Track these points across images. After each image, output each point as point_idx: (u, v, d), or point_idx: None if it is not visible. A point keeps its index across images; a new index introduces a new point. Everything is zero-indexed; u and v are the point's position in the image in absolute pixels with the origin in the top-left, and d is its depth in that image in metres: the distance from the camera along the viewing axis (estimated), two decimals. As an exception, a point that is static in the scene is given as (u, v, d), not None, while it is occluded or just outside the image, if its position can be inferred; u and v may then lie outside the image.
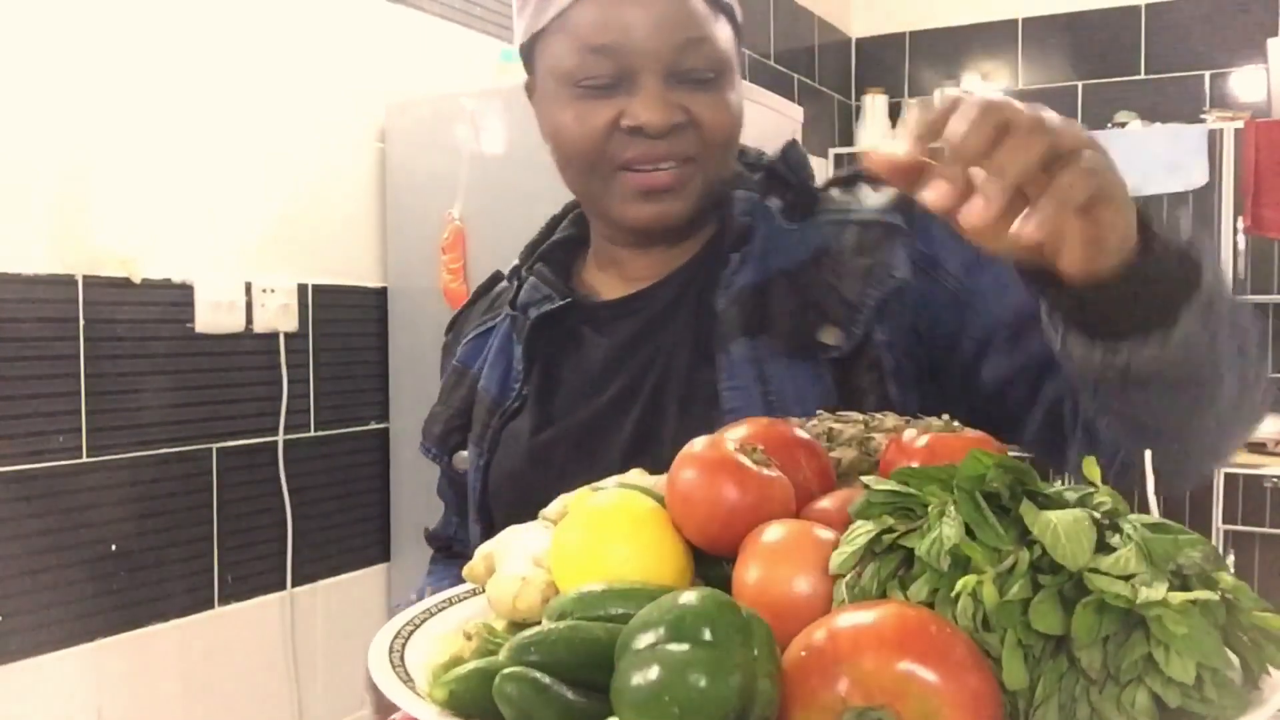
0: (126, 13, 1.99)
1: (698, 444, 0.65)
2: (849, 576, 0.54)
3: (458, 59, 2.68)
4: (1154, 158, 3.61)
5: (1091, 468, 0.58)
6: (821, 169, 3.14)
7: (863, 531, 0.55)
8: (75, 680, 1.92)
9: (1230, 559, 3.31)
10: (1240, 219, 3.50)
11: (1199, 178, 3.57)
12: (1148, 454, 0.66)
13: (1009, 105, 0.58)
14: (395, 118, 2.50)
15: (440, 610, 0.71)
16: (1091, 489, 0.56)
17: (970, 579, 0.50)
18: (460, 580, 0.75)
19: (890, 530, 0.55)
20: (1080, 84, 4.15)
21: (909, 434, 0.68)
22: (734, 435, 0.67)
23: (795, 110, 2.87)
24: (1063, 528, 0.50)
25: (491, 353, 1.03)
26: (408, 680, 0.59)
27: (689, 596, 0.50)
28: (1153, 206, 3.61)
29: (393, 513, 2.56)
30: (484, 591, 0.68)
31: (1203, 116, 3.74)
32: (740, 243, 0.94)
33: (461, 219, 2.35)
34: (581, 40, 0.88)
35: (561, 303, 0.98)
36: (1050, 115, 0.59)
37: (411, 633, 0.67)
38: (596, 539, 0.63)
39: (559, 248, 1.04)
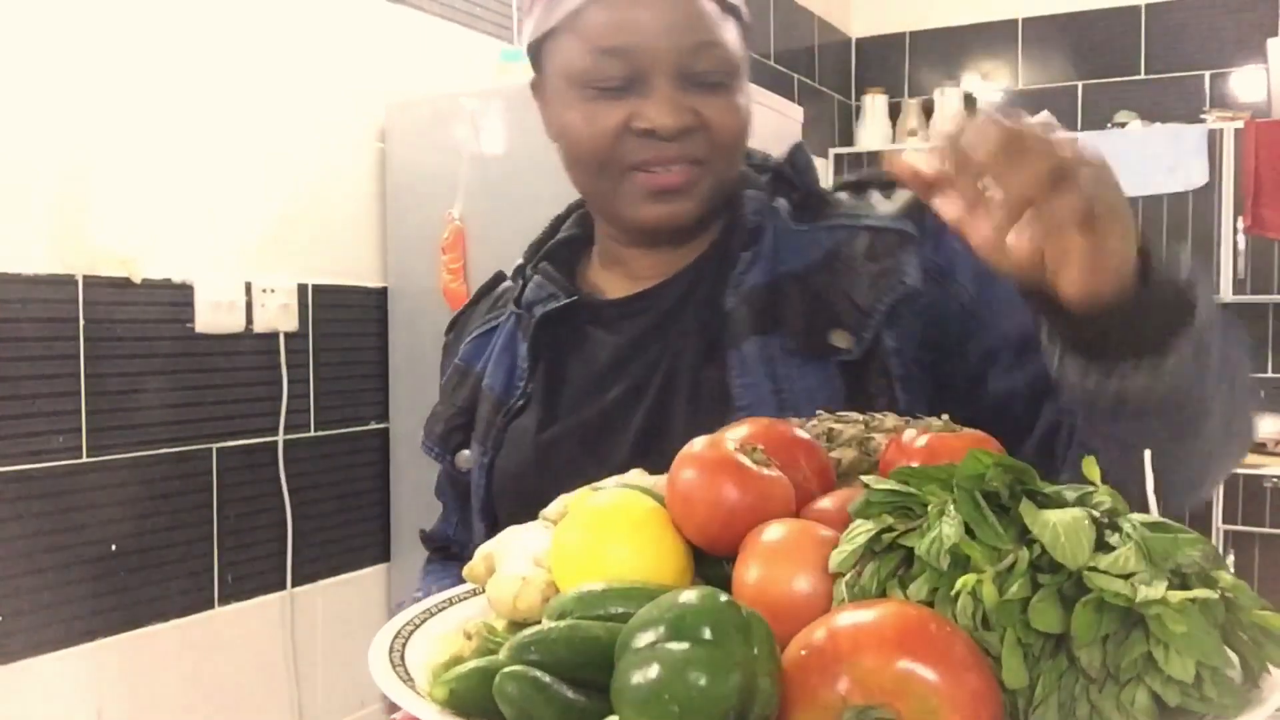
0: (126, 13, 1.99)
1: (698, 444, 0.65)
2: (849, 575, 0.54)
3: (458, 59, 2.68)
4: (1154, 158, 3.61)
5: (1091, 468, 0.58)
6: (822, 169, 3.14)
7: (862, 531, 0.55)
8: (75, 680, 1.92)
9: (1230, 559, 3.32)
10: (1240, 219, 3.50)
11: (1199, 178, 3.57)
12: (1147, 454, 0.67)
13: (1022, 124, 0.59)
14: (395, 118, 2.50)
15: (440, 610, 0.71)
16: (1091, 488, 0.56)
17: (970, 578, 0.50)
18: (459, 581, 0.75)
19: (890, 529, 0.55)
20: (1080, 84, 4.15)
21: (909, 434, 0.68)
22: (734, 435, 0.67)
23: (795, 110, 2.88)
24: (1062, 527, 0.50)
25: (495, 351, 1.03)
26: (408, 680, 0.59)
27: (689, 595, 0.50)
28: (1152, 206, 3.61)
29: (393, 513, 2.56)
30: (484, 591, 0.68)
31: (1203, 116, 3.74)
32: (750, 242, 0.94)
33: (461, 219, 2.36)
34: (593, 41, 0.88)
35: (567, 301, 0.98)
36: (1059, 134, 0.60)
37: (411, 633, 0.67)
38: (596, 539, 0.63)
39: (563, 247, 1.04)
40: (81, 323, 1.92)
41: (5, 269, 1.81)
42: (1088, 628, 0.48)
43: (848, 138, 4.46)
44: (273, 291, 2.25)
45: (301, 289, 2.33)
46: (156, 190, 2.04)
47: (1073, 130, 3.77)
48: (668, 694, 0.46)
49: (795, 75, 4.11)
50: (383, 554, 2.57)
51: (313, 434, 2.38)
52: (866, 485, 0.58)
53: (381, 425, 2.55)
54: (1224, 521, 3.34)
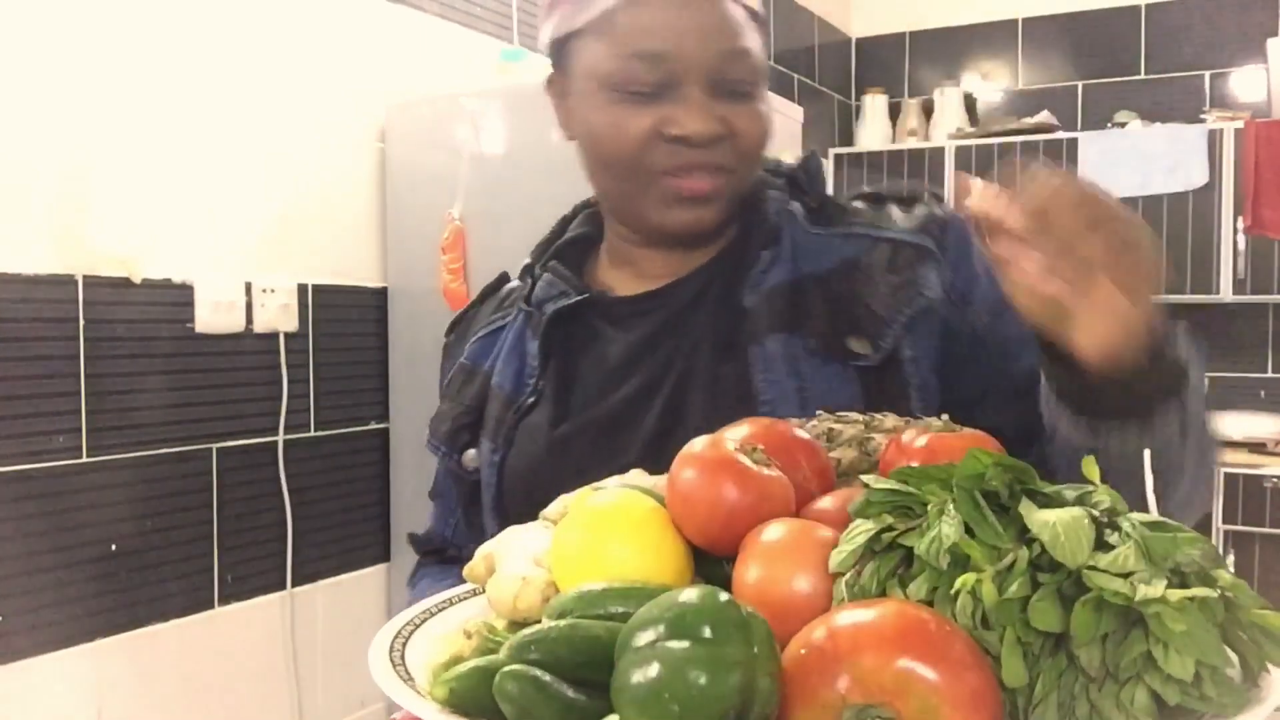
0: (126, 13, 1.99)
1: (698, 444, 0.65)
2: (848, 575, 0.54)
3: (458, 59, 2.68)
4: (1154, 158, 3.61)
5: (1091, 468, 0.58)
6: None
7: (862, 530, 0.55)
8: (75, 680, 1.92)
9: (1230, 559, 3.32)
10: (1240, 219, 3.50)
11: (1199, 178, 3.57)
12: (1146, 454, 0.67)
13: (1097, 190, 0.64)
14: (395, 118, 2.50)
15: (440, 610, 0.71)
16: (1090, 488, 0.56)
17: (969, 577, 0.50)
18: (458, 584, 0.75)
19: (890, 529, 0.55)
20: (1080, 84, 4.15)
21: (908, 434, 0.68)
22: (734, 435, 0.67)
23: (795, 110, 2.88)
24: (1061, 526, 0.51)
25: (504, 350, 1.03)
26: (408, 679, 0.59)
27: (689, 594, 0.50)
28: (1152, 206, 3.61)
29: (393, 513, 2.56)
30: (484, 591, 0.68)
31: (1203, 116, 3.74)
32: (770, 242, 0.95)
33: (461, 219, 2.36)
34: (627, 45, 0.88)
35: (578, 298, 0.99)
36: (1106, 197, 0.65)
37: (412, 633, 0.67)
38: (596, 539, 0.63)
39: (571, 246, 1.05)
40: (81, 323, 1.92)
41: (5, 269, 1.81)
42: (1087, 627, 0.48)
43: (848, 138, 4.46)
44: (273, 291, 2.25)
45: (301, 289, 2.33)
46: (156, 190, 2.04)
47: (1073, 130, 3.76)
48: (668, 693, 0.46)
49: (795, 75, 4.11)
50: (383, 554, 2.57)
51: (313, 434, 2.38)
52: (866, 485, 0.58)
53: (381, 425, 2.55)
54: (1224, 521, 3.34)
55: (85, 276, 1.93)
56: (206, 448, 2.15)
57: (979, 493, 0.53)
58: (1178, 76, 3.98)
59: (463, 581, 0.74)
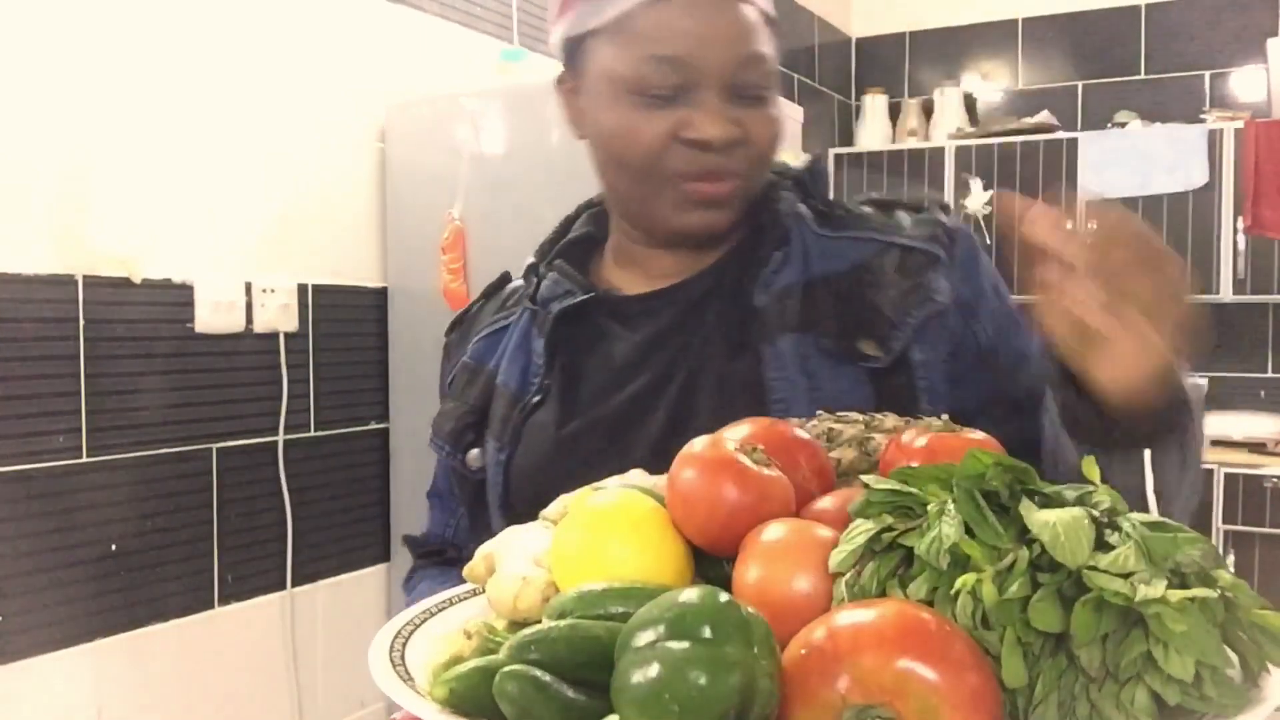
0: (126, 13, 1.99)
1: (698, 444, 0.65)
2: (848, 575, 0.54)
3: (458, 59, 2.68)
4: (1154, 158, 3.61)
5: (1091, 468, 0.58)
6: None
7: (862, 530, 0.55)
8: (75, 680, 1.92)
9: (1230, 559, 3.32)
10: (1240, 219, 3.50)
11: (1199, 178, 3.57)
12: (1147, 454, 0.68)
13: (1152, 235, 0.69)
14: (395, 118, 2.50)
15: (440, 610, 0.71)
16: (1090, 488, 0.56)
17: (969, 577, 0.50)
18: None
19: (890, 529, 0.55)
20: (1080, 84, 4.15)
21: (908, 434, 0.68)
22: (734, 435, 0.67)
23: (795, 110, 2.88)
24: (1062, 526, 0.51)
25: (509, 349, 1.03)
26: (408, 679, 0.59)
27: (689, 594, 0.50)
28: (1152, 206, 3.61)
29: (393, 513, 2.56)
30: (484, 591, 0.68)
31: (1203, 116, 3.74)
32: (780, 243, 0.96)
33: (461, 219, 2.36)
34: (647, 48, 0.88)
35: (584, 297, 0.99)
36: (1157, 239, 0.69)
37: (411, 633, 0.67)
38: (596, 539, 0.63)
39: (575, 246, 1.05)
40: (81, 323, 1.92)
41: (5, 269, 1.81)
42: (1087, 627, 0.48)
43: (848, 138, 4.46)
44: (273, 291, 2.25)
45: (301, 289, 2.33)
46: (156, 190, 2.04)
47: (1073, 130, 3.76)
48: (668, 693, 0.46)
49: (795, 75, 4.11)
50: (383, 554, 2.57)
51: (313, 434, 2.38)
52: (866, 485, 0.58)
53: (381, 425, 2.55)
54: (1224, 521, 3.34)
55: (85, 276, 1.93)
56: (206, 448, 2.15)
57: (979, 493, 0.53)
58: (1178, 76, 3.98)
59: (463, 583, 0.74)
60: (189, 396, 2.11)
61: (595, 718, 0.49)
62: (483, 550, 0.72)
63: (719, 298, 0.96)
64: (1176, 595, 0.48)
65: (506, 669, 0.51)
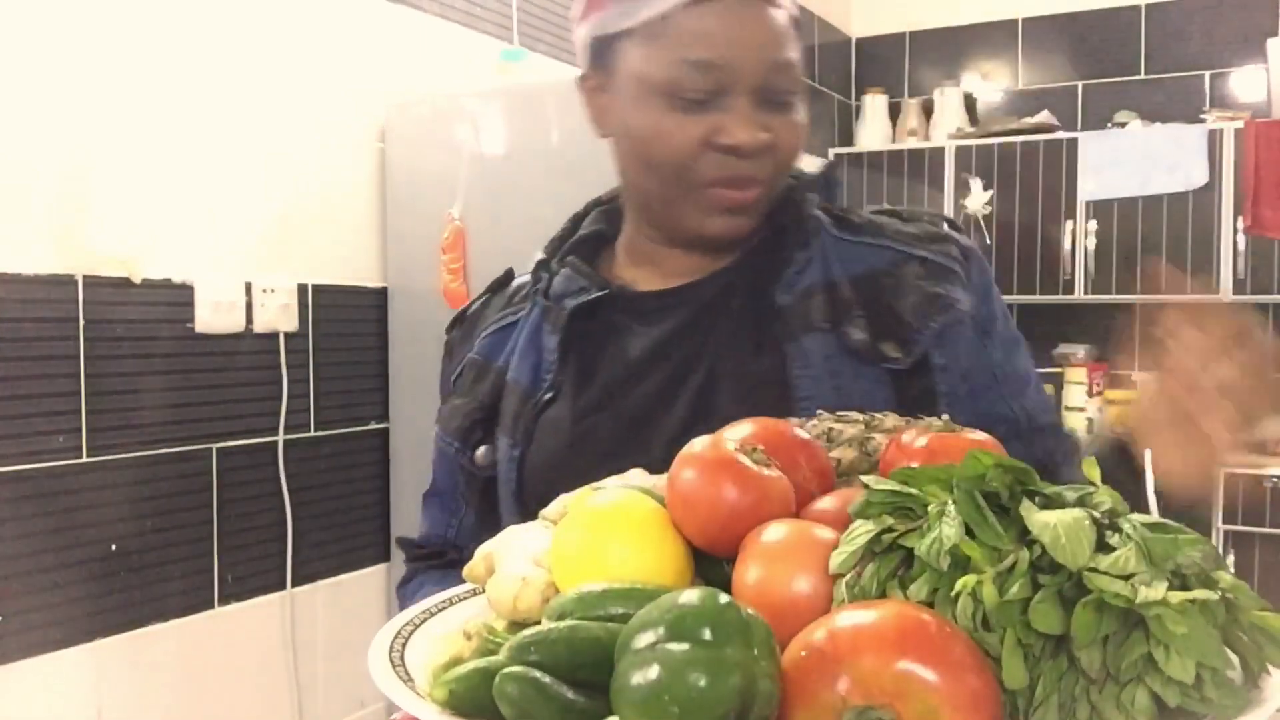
0: (126, 13, 1.99)
1: (698, 444, 0.65)
2: (849, 576, 0.54)
3: (458, 59, 2.68)
4: (1154, 158, 3.61)
5: (1091, 468, 0.58)
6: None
7: (862, 531, 0.55)
8: (75, 680, 1.92)
9: (1230, 559, 3.31)
10: (1240, 219, 3.50)
11: (1199, 178, 3.57)
12: (1147, 454, 0.67)
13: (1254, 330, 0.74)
14: (395, 118, 2.50)
15: (440, 610, 0.71)
16: (1091, 489, 0.56)
17: (970, 578, 0.50)
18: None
19: (890, 530, 0.55)
20: (1080, 84, 4.15)
21: (908, 434, 0.68)
22: (734, 435, 0.67)
23: (795, 110, 2.87)
24: (1062, 527, 0.50)
25: (519, 345, 1.03)
26: (408, 680, 0.59)
27: (689, 596, 0.50)
28: (1152, 206, 3.61)
29: (393, 513, 2.56)
30: (484, 591, 0.68)
31: (1203, 116, 3.74)
32: (802, 244, 0.97)
33: (461, 219, 2.35)
34: (683, 51, 0.88)
35: (600, 293, 0.99)
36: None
37: (411, 633, 0.67)
38: (596, 539, 0.63)
39: (585, 243, 1.05)
40: (81, 323, 1.92)
41: (5, 269, 1.81)
42: (1088, 628, 0.48)
43: (848, 138, 4.46)
44: (273, 291, 2.25)
45: (301, 289, 2.33)
46: (156, 190, 2.04)
47: (1073, 130, 3.75)
48: (667, 695, 0.46)
49: (795, 75, 4.10)
50: (383, 554, 2.56)
51: (313, 434, 2.38)
52: (866, 486, 0.58)
53: (381, 425, 2.55)
54: (1224, 521, 3.34)
55: (85, 276, 1.93)
56: (206, 448, 2.15)
57: (979, 494, 0.53)
58: (1178, 76, 3.98)
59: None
60: (189, 396, 2.11)
61: (595, 719, 0.49)
62: (482, 550, 0.72)
63: (738, 296, 0.96)
64: (1177, 597, 0.48)
65: (506, 670, 0.51)
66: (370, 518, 2.53)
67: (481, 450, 1.02)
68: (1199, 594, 0.49)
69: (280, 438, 2.29)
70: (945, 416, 0.71)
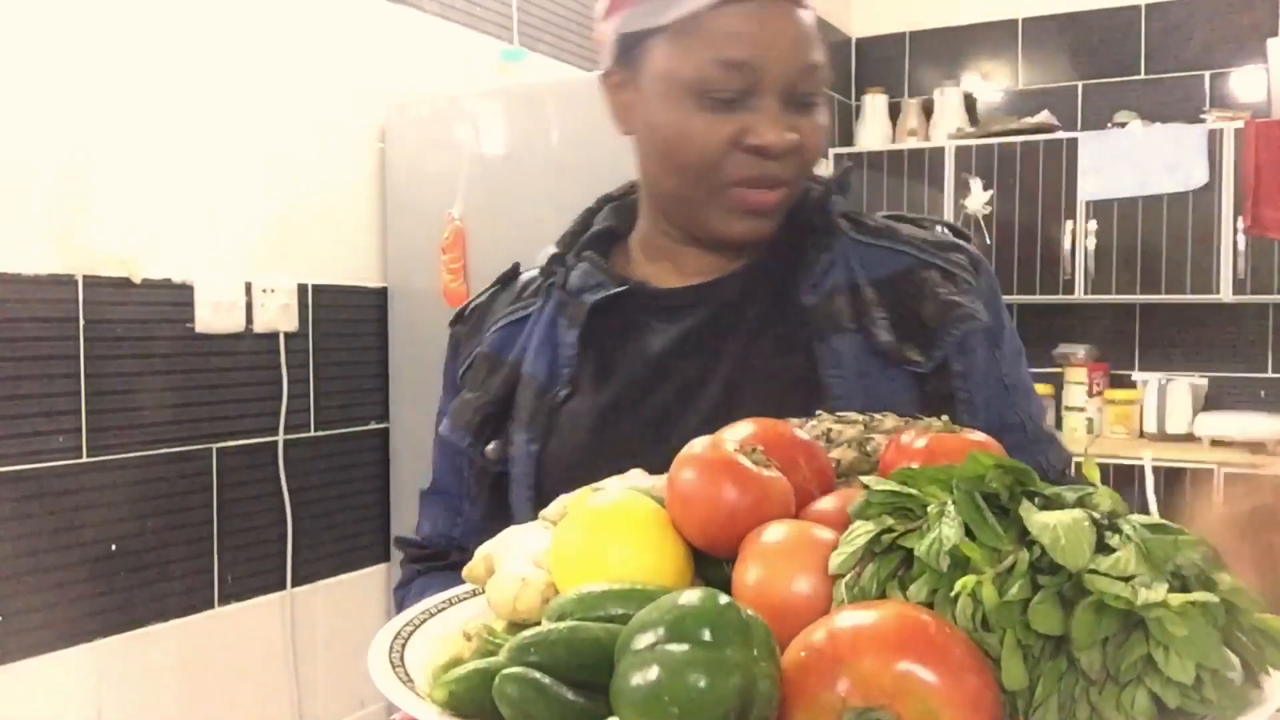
0: (126, 13, 1.99)
1: (697, 445, 0.65)
2: (848, 577, 0.54)
3: (458, 59, 2.68)
4: (1154, 158, 3.61)
5: (1091, 468, 0.58)
6: (822, 169, 3.15)
7: (862, 532, 0.55)
8: (75, 680, 1.92)
9: (1230, 559, 3.31)
10: (1240, 219, 3.50)
11: (1199, 178, 3.57)
12: (1147, 454, 0.67)
13: None
14: (395, 118, 2.50)
15: (440, 611, 0.71)
16: (1091, 489, 0.56)
17: (970, 579, 0.50)
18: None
19: (890, 530, 0.55)
20: (1080, 84, 4.15)
21: (908, 435, 0.68)
22: (734, 436, 0.67)
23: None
24: (1062, 528, 0.50)
25: (534, 339, 1.02)
26: (408, 681, 0.59)
27: (689, 597, 0.50)
28: (1152, 206, 3.61)
29: (393, 513, 2.56)
30: (484, 592, 0.68)
31: (1203, 116, 3.74)
32: (826, 245, 0.97)
33: (461, 219, 2.36)
34: (715, 51, 0.88)
35: (620, 289, 0.99)
36: None
37: (411, 633, 0.67)
38: (596, 540, 0.63)
39: (598, 239, 1.05)
40: (81, 323, 1.92)
41: (5, 269, 1.81)
42: (1088, 630, 0.48)
43: (848, 137, 4.46)
44: (273, 291, 2.25)
45: (301, 289, 2.33)
46: (156, 190, 2.04)
47: (1073, 130, 3.75)
48: (667, 695, 0.46)
49: (795, 75, 4.10)
50: (383, 554, 2.57)
51: (313, 434, 2.38)
52: (866, 486, 0.58)
53: (381, 425, 2.55)
54: (1224, 521, 3.34)
55: (85, 276, 1.93)
56: (206, 448, 2.15)
57: (979, 494, 0.53)
58: (1178, 76, 3.98)
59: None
60: (189, 396, 2.11)
61: (595, 720, 0.49)
62: (482, 551, 0.72)
63: (760, 295, 0.97)
64: (1177, 599, 0.48)
65: (506, 671, 0.51)
66: (370, 518, 2.53)
67: (493, 445, 1.01)
68: (1199, 596, 0.49)
69: (280, 438, 2.29)
70: (945, 417, 0.70)
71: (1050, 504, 0.54)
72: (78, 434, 1.92)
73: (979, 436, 0.68)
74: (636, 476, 0.75)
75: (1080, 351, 3.92)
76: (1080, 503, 0.55)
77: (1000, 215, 3.88)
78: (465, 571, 0.72)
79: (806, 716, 0.48)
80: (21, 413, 1.84)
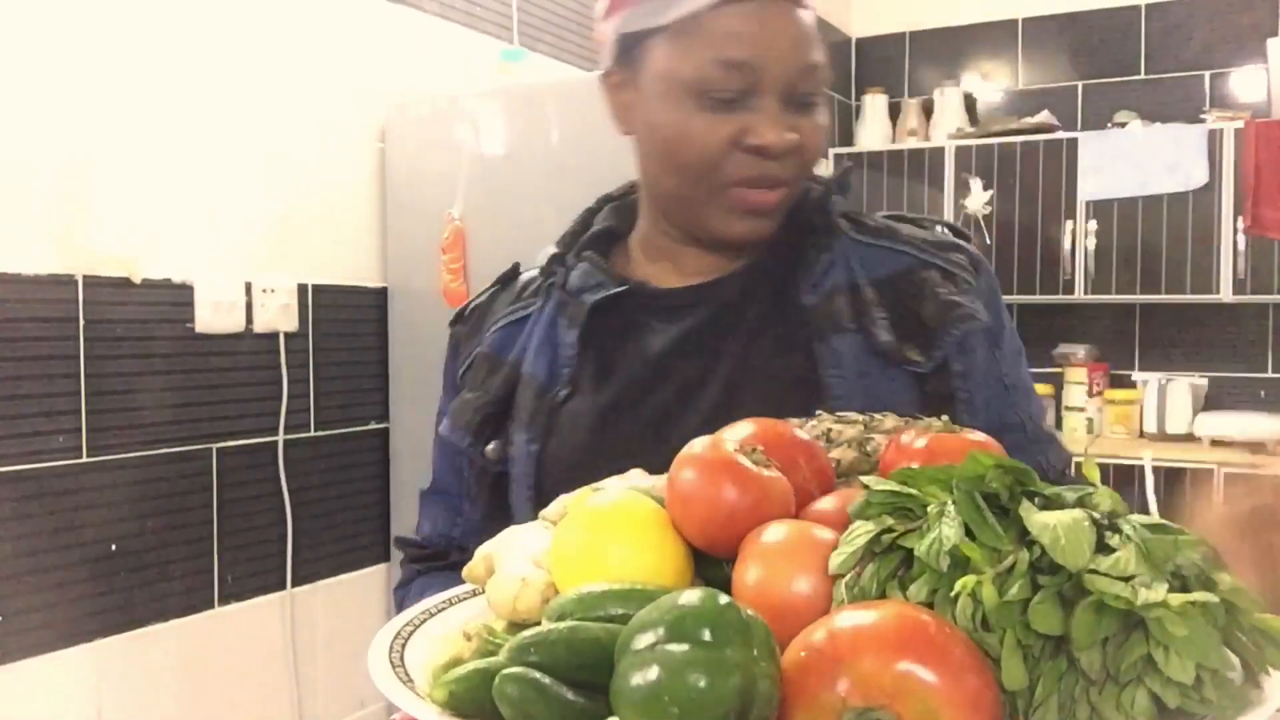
0: (127, 13, 1.99)
1: (697, 445, 0.65)
2: (848, 577, 0.54)
3: (458, 59, 2.68)
4: (1154, 158, 3.61)
5: (1091, 468, 0.58)
6: (822, 169, 3.15)
7: (862, 532, 0.55)
8: (75, 680, 1.92)
9: (1230, 559, 3.31)
10: (1240, 219, 3.50)
11: (1199, 178, 3.57)
12: (1147, 454, 0.67)
13: None
14: (395, 118, 2.50)
15: (440, 611, 0.71)
16: (1091, 489, 0.56)
17: (969, 579, 0.50)
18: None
19: (890, 530, 0.55)
20: (1080, 84, 4.15)
21: (908, 435, 0.68)
22: (733, 436, 0.67)
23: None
24: (1062, 528, 0.50)
25: (534, 339, 1.02)
26: (408, 681, 0.59)
27: (689, 597, 0.50)
28: (1152, 206, 3.61)
29: (393, 513, 2.56)
30: (484, 592, 0.68)
31: (1203, 116, 3.74)
32: (826, 246, 0.97)
33: (461, 219, 2.36)
34: (716, 51, 0.88)
35: (620, 289, 0.99)
36: None
37: (411, 633, 0.67)
38: (596, 540, 0.63)
39: (599, 239, 1.05)
40: (81, 323, 1.92)
41: (5, 269, 1.81)
42: (1088, 630, 0.48)
43: (848, 137, 4.46)
44: (273, 291, 2.25)
45: (301, 289, 2.33)
46: (156, 190, 2.04)
47: (1073, 130, 3.75)
48: (667, 695, 0.46)
49: (795, 75, 4.10)
50: (383, 554, 2.57)
51: (313, 434, 2.38)
52: (866, 486, 0.58)
53: (381, 425, 2.55)
54: (1224, 521, 3.34)
55: (85, 276, 1.93)
56: (206, 448, 2.15)
57: (979, 494, 0.53)
58: (1178, 76, 3.98)
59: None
60: (189, 396, 2.11)
61: (595, 720, 0.49)
62: (482, 551, 0.72)
63: (760, 295, 0.97)
64: (1177, 599, 0.48)
65: (506, 671, 0.51)
66: (370, 518, 2.53)
67: (493, 445, 1.01)
68: (1199, 596, 0.49)
69: (280, 438, 2.29)
70: (945, 417, 0.70)
71: (1050, 504, 0.54)
72: (78, 434, 1.92)
73: (979, 436, 0.68)
74: (636, 476, 0.75)
75: (1080, 351, 3.92)
76: (1080, 503, 0.55)
77: (1000, 215, 3.88)
78: (465, 571, 0.72)
79: (806, 716, 0.48)
80: (21, 413, 1.84)
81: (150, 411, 2.04)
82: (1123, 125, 3.81)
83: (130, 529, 2.01)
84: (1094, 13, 4.11)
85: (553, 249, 1.06)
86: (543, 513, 0.75)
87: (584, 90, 2.35)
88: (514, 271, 1.11)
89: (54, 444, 1.89)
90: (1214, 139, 3.57)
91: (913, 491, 0.56)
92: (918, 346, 0.92)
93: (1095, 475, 0.58)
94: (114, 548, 1.98)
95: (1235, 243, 3.53)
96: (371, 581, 2.53)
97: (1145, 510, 0.59)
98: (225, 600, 2.20)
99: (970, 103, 4.28)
